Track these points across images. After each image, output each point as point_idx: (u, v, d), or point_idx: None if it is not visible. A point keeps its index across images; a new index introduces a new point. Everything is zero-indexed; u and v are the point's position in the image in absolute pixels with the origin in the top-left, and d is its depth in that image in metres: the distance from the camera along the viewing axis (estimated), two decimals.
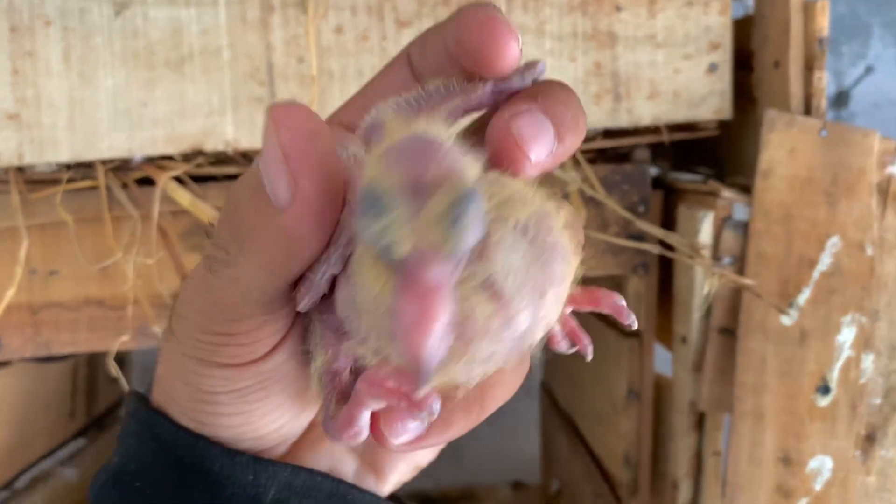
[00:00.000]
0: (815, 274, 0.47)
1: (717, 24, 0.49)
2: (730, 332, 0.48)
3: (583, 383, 0.66)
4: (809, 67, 0.47)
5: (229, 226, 0.21)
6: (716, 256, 0.48)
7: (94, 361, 0.77)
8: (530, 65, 0.22)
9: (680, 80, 0.49)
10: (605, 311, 0.22)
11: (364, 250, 0.19)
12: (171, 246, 0.49)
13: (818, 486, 0.46)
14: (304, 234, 0.19)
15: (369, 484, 0.27)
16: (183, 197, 0.49)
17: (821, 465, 0.46)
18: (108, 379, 0.82)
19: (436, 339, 0.16)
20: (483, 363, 0.19)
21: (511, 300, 0.18)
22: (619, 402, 0.55)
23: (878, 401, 0.47)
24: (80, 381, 0.76)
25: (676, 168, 0.59)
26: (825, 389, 0.46)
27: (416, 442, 0.21)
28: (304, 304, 0.21)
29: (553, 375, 0.84)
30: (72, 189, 0.50)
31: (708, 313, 0.49)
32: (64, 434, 0.74)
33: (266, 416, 0.24)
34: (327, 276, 0.20)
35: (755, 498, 0.47)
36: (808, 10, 0.47)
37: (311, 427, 0.25)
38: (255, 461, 0.24)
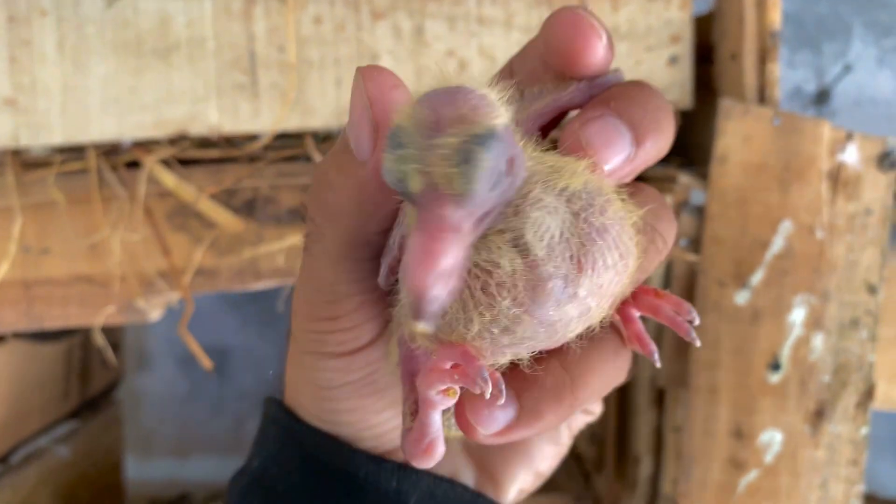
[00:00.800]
0: (768, 256, 0.49)
1: (678, 18, 0.52)
2: None
3: None
4: (762, 60, 0.49)
5: (315, 197, 0.22)
6: None
7: (87, 344, 0.80)
8: (616, 70, 0.22)
9: (642, 71, 0.52)
10: (663, 322, 0.22)
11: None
12: (156, 225, 0.52)
13: (768, 459, 0.49)
14: (380, 185, 0.19)
15: (488, 495, 0.26)
16: (168, 179, 0.51)
17: (771, 439, 0.49)
18: (102, 362, 0.85)
19: (436, 277, 0.16)
20: (509, 332, 0.18)
21: (539, 261, 0.18)
22: None
23: (827, 378, 0.49)
24: (74, 363, 0.78)
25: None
26: (776, 366, 0.49)
27: (506, 432, 0.20)
28: (381, 275, 0.21)
29: None
30: (64, 171, 0.53)
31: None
32: (57, 414, 0.76)
33: (380, 412, 0.24)
34: (398, 240, 0.20)
35: (709, 469, 0.49)
36: (762, 6, 0.49)
37: None
38: (400, 468, 0.24)
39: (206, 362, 0.52)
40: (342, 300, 0.22)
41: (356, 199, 0.20)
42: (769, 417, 0.49)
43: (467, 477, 0.26)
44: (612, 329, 0.22)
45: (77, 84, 0.52)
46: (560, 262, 0.18)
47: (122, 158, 0.53)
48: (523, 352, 0.19)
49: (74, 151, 0.53)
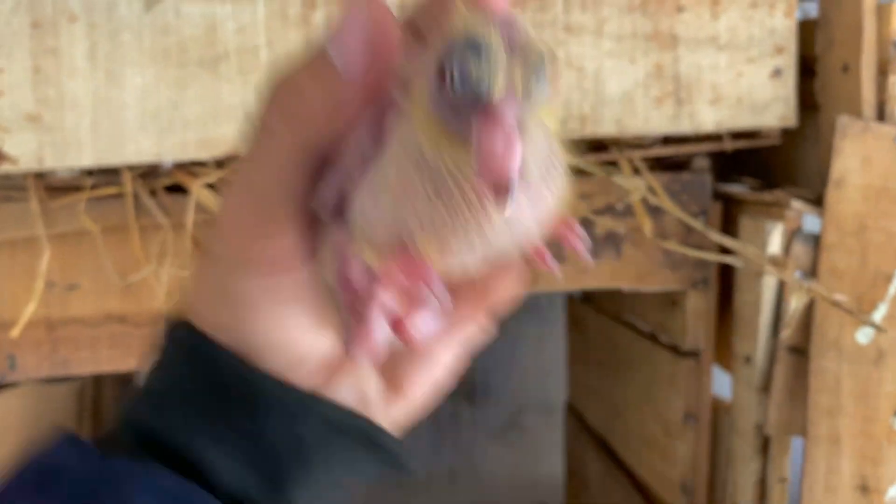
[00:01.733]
0: (892, 289, 0.44)
1: (783, 26, 0.47)
2: (799, 352, 0.45)
3: (625, 405, 0.63)
4: (882, 72, 0.45)
5: (278, 105, 0.22)
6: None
7: (100, 383, 0.73)
8: None
9: (743, 85, 0.47)
10: (564, 244, 0.24)
11: (417, 119, 0.20)
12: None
13: None
14: (354, 97, 0.21)
15: (395, 406, 0.27)
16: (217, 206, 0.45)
17: None
18: (115, 400, 0.78)
19: (518, 166, 0.18)
20: (466, 238, 0.20)
21: (534, 182, 0.20)
22: (674, 426, 0.52)
23: None
24: (86, 403, 0.72)
25: (721, 179, 0.57)
26: None
27: (438, 336, 0.23)
28: (328, 192, 0.22)
29: (582, 396, 0.81)
30: (96, 197, 0.47)
31: (775, 331, 0.46)
32: None
33: (304, 332, 0.24)
34: (357, 161, 0.22)
35: None
36: (882, 12, 0.45)
37: (337, 355, 0.25)
38: (301, 392, 0.24)
39: None
40: (282, 215, 0.22)
41: (330, 110, 0.21)
42: None
43: (372, 388, 0.27)
44: None
45: (110, 98, 0.46)
46: (542, 182, 0.20)
47: (161, 182, 0.47)
48: (473, 262, 0.21)
49: (107, 174, 0.47)
